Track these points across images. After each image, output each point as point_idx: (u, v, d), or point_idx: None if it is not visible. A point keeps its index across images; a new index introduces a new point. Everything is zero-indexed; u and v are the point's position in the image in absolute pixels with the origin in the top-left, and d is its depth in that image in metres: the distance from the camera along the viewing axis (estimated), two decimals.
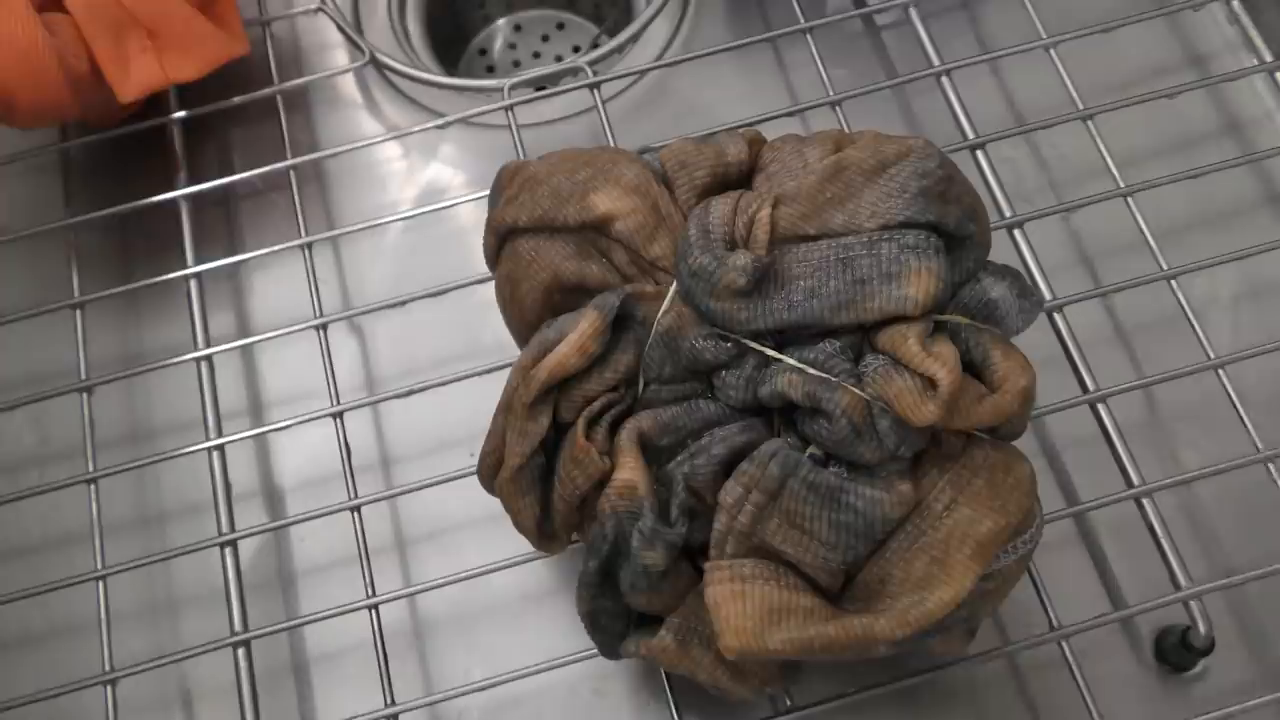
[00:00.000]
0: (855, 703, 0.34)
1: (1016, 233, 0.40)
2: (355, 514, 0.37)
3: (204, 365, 0.40)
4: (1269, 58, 0.44)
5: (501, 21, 0.59)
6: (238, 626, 0.36)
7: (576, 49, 0.58)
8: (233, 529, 0.38)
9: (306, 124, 0.48)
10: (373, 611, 0.36)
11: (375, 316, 0.41)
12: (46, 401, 0.40)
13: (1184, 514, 0.39)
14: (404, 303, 0.40)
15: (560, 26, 0.59)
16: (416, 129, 0.43)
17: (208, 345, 0.40)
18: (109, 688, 0.35)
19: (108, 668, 0.36)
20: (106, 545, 0.38)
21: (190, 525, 0.41)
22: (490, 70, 0.58)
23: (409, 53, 0.51)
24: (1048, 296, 0.39)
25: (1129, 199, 0.40)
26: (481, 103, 0.44)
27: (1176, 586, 0.35)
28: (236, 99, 0.43)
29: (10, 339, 0.41)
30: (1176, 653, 0.36)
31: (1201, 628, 0.35)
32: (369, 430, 0.42)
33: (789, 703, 0.34)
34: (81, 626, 0.39)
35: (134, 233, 0.45)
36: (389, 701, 0.35)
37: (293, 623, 0.36)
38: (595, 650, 0.32)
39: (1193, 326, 0.38)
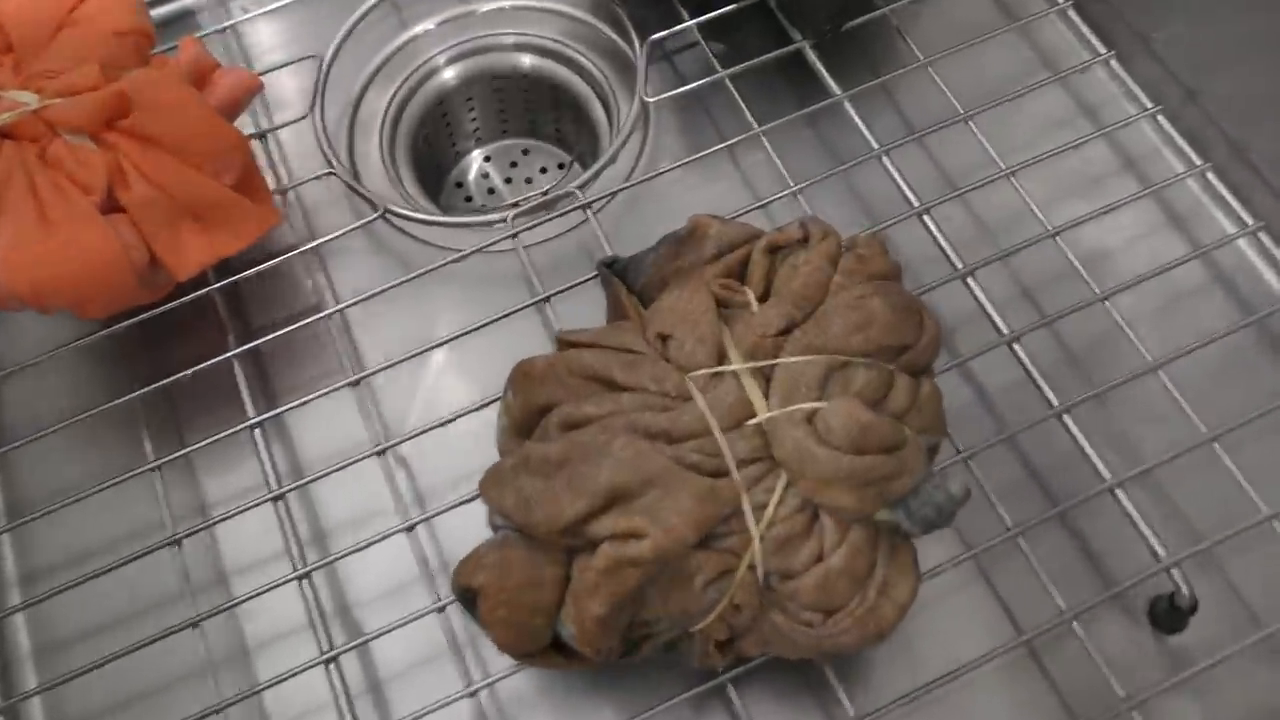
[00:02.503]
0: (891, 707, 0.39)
1: (970, 280, 0.47)
2: (440, 614, 0.42)
3: (280, 504, 0.44)
4: (1149, 104, 0.52)
5: (473, 154, 0.65)
6: None
7: (543, 170, 0.65)
8: (332, 646, 0.42)
9: (324, 272, 0.53)
10: (473, 699, 0.40)
11: (417, 439, 0.46)
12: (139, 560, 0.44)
13: (1151, 497, 0.45)
14: (454, 419, 0.45)
15: (525, 152, 0.66)
16: (435, 265, 0.49)
17: (279, 485, 0.45)
18: None
19: None
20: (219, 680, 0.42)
21: (288, 651, 0.44)
22: (469, 200, 0.64)
23: (403, 193, 0.57)
24: (1004, 330, 0.45)
25: (1057, 238, 0.47)
26: (486, 234, 0.49)
27: (1156, 559, 0.41)
28: (273, 262, 0.49)
29: (96, 508, 0.45)
30: (1168, 616, 0.42)
31: (1184, 590, 0.41)
32: (431, 545, 0.46)
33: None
34: None
35: (188, 395, 0.49)
36: None
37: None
38: None
39: (1130, 337, 0.45)
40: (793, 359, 0.36)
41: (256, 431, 0.46)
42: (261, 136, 0.53)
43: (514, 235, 0.49)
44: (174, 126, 0.44)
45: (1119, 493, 0.42)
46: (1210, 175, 0.50)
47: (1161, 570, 0.41)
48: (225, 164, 0.45)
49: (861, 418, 0.34)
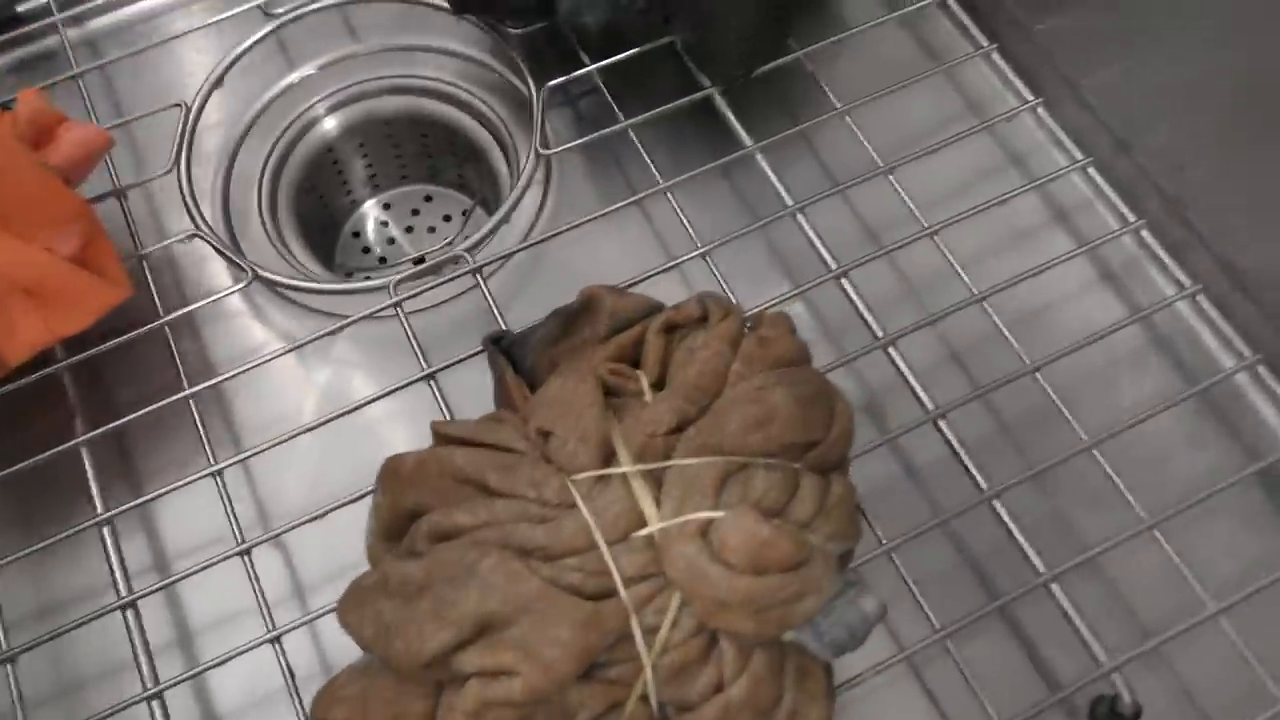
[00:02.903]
0: None
1: (891, 349, 0.43)
2: None
3: (129, 613, 0.39)
4: (1079, 155, 0.49)
5: (370, 203, 0.61)
6: None
7: (447, 218, 0.60)
8: None
9: (197, 346, 0.48)
10: None
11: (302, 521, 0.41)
12: None
13: (1093, 588, 0.42)
14: (326, 513, 0.40)
15: (428, 199, 0.61)
16: (311, 338, 0.44)
17: (129, 591, 0.40)
18: None
19: None
20: None
21: None
22: (366, 251, 0.59)
23: (285, 255, 0.52)
24: (930, 406, 0.42)
25: (984, 303, 0.44)
26: (368, 301, 0.45)
27: (1097, 663, 0.37)
28: (124, 337, 0.44)
29: None
30: None
31: (1126, 697, 0.37)
32: (308, 646, 0.42)
33: None
34: None
35: (35, 485, 0.44)
36: None
37: None
38: None
39: (1062, 412, 0.42)
40: (686, 461, 0.32)
41: (105, 530, 0.41)
42: (120, 195, 0.48)
43: (397, 304, 0.44)
44: (1, 193, 0.39)
45: (1054, 587, 0.38)
46: (1145, 232, 0.47)
47: (1102, 675, 0.37)
48: (63, 235, 0.40)
49: (760, 533, 0.30)
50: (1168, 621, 0.39)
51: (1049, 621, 0.40)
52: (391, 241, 0.60)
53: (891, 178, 0.47)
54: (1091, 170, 0.48)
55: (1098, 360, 0.46)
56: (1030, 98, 0.51)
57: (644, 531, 0.32)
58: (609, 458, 0.33)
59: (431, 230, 0.60)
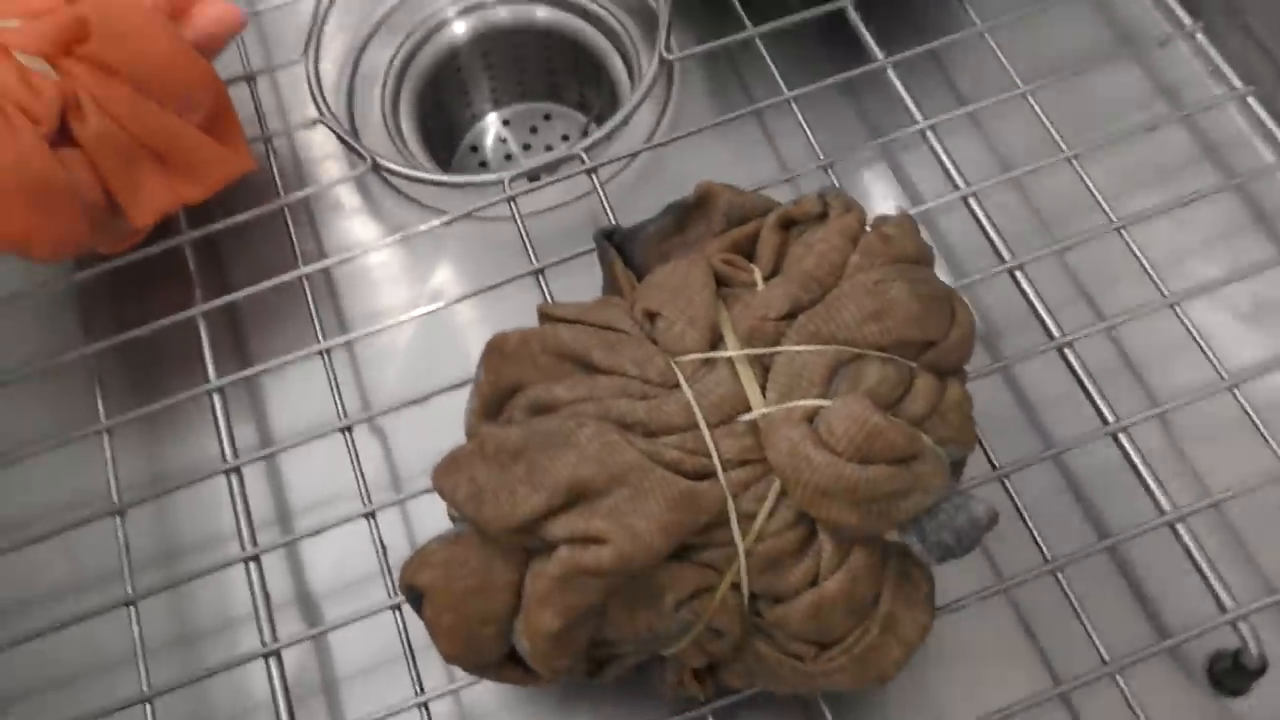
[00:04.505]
0: None
1: (1018, 274, 0.41)
2: (397, 612, 0.37)
3: (234, 477, 0.40)
4: (1238, 84, 0.45)
5: (491, 117, 0.61)
6: None
7: (565, 138, 0.60)
8: (275, 639, 0.37)
9: (312, 231, 0.49)
10: (423, 710, 0.36)
11: (396, 413, 0.42)
12: (77, 529, 0.40)
13: (1217, 536, 0.39)
14: (427, 398, 0.40)
15: (547, 117, 0.61)
16: (422, 228, 0.44)
17: (235, 457, 0.41)
18: None
19: None
20: (150, 667, 0.37)
21: (231, 639, 0.41)
22: (483, 165, 0.60)
23: (405, 154, 0.52)
24: (1055, 333, 0.40)
25: (1122, 231, 0.41)
26: (482, 197, 0.45)
27: (1222, 609, 0.35)
28: (246, 214, 0.44)
29: (39, 469, 0.42)
30: (1230, 676, 0.36)
31: (1253, 649, 0.35)
32: (402, 531, 0.42)
33: None
34: None
35: (152, 353, 0.45)
36: None
37: None
38: None
39: (1202, 349, 0.39)
40: (796, 348, 0.31)
41: (216, 397, 0.42)
42: (249, 80, 0.49)
43: (511, 199, 0.44)
44: (136, 55, 0.40)
45: (1181, 529, 0.36)
46: None
47: (1226, 623, 0.35)
48: (193, 101, 0.41)
49: (870, 420, 0.29)
50: None
51: (1167, 568, 0.38)
52: (508, 158, 0.60)
53: (1031, 99, 0.44)
54: (1252, 100, 0.45)
55: (1242, 301, 0.43)
56: (1188, 22, 0.48)
57: (748, 416, 0.31)
58: (716, 342, 0.32)
59: (549, 148, 0.60)
